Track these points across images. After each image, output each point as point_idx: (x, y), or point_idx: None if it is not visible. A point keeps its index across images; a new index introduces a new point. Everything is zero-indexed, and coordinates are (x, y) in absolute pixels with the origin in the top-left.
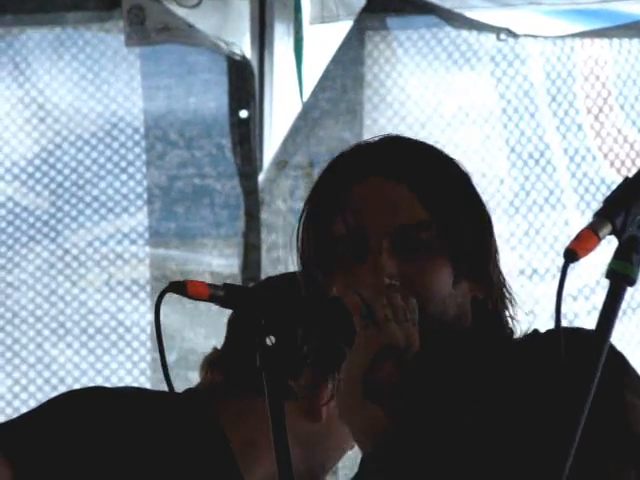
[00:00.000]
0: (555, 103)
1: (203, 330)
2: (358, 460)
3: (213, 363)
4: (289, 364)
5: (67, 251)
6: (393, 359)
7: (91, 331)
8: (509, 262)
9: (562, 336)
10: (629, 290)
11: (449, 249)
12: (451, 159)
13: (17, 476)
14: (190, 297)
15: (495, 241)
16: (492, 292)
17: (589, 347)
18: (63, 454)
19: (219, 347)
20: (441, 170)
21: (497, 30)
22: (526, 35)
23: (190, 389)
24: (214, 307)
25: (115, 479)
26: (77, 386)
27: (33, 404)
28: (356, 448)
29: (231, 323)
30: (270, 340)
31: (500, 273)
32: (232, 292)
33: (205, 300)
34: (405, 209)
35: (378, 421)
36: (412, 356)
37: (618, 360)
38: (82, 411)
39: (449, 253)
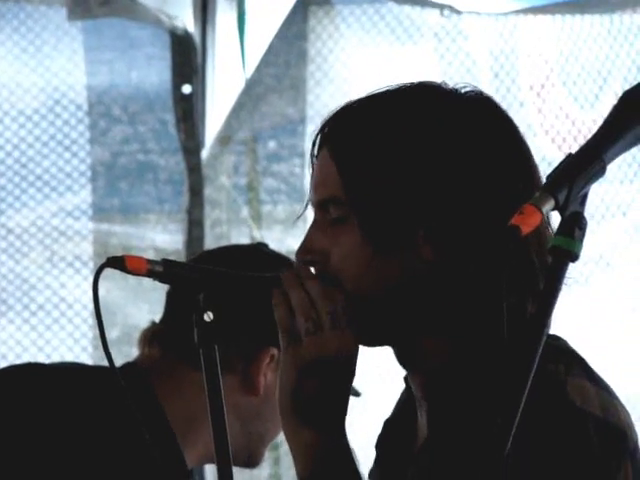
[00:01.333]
0: (497, 80)
1: (146, 306)
2: None
3: (151, 337)
4: (226, 339)
5: (10, 230)
6: (322, 372)
7: (33, 308)
8: None
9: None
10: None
11: (359, 221)
12: (387, 122)
13: None
14: (128, 272)
15: (457, 198)
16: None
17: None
18: None
19: (157, 321)
20: (361, 137)
21: (440, 7)
22: (469, 12)
23: (128, 363)
24: (158, 284)
25: (52, 458)
26: (19, 362)
27: None
28: None
29: (169, 297)
30: (208, 316)
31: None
32: (170, 267)
33: (143, 275)
34: (323, 183)
35: (308, 445)
36: (347, 360)
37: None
38: (15, 390)
39: (360, 226)
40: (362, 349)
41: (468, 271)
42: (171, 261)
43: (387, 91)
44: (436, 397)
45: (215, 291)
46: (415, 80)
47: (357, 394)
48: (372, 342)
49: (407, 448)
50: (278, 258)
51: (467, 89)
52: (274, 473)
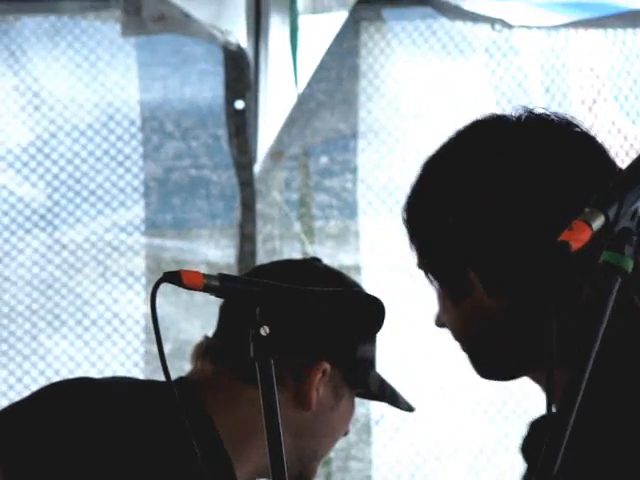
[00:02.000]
0: (549, 95)
1: (199, 321)
2: (352, 452)
3: (204, 352)
4: (280, 353)
5: (64, 246)
6: None
7: (86, 323)
8: None
9: None
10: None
11: (431, 278)
12: (439, 191)
13: (6, 473)
14: (184, 287)
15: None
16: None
17: None
18: (50, 449)
19: (210, 336)
20: (419, 207)
21: (491, 21)
22: (520, 26)
23: (180, 378)
24: (210, 298)
25: (103, 472)
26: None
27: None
28: (348, 437)
29: (223, 311)
30: (264, 330)
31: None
32: (227, 282)
33: (199, 290)
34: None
35: None
36: None
37: None
38: (68, 404)
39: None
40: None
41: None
42: (227, 275)
43: (442, 155)
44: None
45: (272, 305)
46: (471, 121)
47: (411, 409)
48: (502, 378)
49: None
50: (331, 273)
51: (529, 114)
52: None
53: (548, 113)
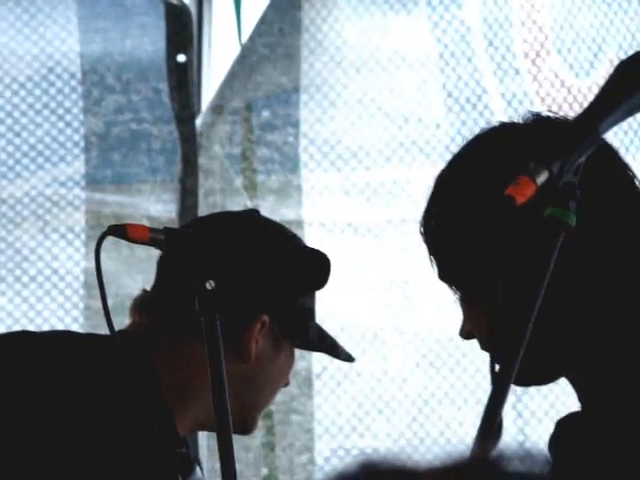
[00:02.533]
0: (492, 48)
1: (140, 276)
2: (293, 405)
3: (141, 305)
4: (225, 308)
5: (3, 200)
6: None
7: (25, 279)
8: None
9: None
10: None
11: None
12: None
13: None
14: (130, 240)
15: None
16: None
17: None
18: None
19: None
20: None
21: None
22: None
23: (120, 331)
24: (152, 252)
25: (43, 426)
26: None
27: None
28: (290, 391)
29: (161, 265)
30: (210, 284)
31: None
32: (172, 235)
33: (145, 244)
34: None
35: None
36: None
37: None
38: (7, 357)
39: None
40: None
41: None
42: (173, 229)
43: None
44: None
45: (217, 260)
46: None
47: (350, 359)
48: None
49: None
50: (271, 225)
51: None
52: (267, 442)
53: (553, 116)
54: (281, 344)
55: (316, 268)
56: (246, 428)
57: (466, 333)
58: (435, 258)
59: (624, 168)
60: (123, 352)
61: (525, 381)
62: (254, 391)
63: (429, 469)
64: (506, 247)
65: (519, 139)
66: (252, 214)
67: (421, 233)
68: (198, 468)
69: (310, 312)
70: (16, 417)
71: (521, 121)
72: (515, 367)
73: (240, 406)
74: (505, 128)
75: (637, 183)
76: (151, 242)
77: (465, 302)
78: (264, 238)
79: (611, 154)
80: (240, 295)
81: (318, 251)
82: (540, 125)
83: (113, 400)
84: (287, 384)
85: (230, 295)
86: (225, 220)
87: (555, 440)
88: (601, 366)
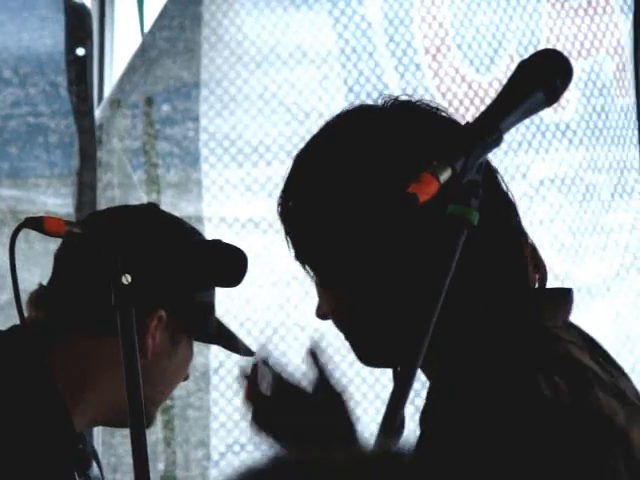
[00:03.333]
0: (393, 43)
1: (38, 270)
2: (190, 400)
3: (36, 300)
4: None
5: None
6: None
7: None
8: None
9: None
10: None
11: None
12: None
13: None
14: (46, 233)
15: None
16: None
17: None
18: None
19: (44, 284)
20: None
21: None
22: None
23: (15, 326)
24: (51, 247)
25: None
26: None
27: None
28: (187, 386)
29: (58, 260)
30: (126, 278)
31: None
32: (89, 229)
33: (61, 236)
34: None
35: None
36: None
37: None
38: None
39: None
40: None
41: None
42: (89, 222)
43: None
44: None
45: (132, 253)
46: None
47: (250, 354)
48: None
49: None
50: (170, 219)
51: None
52: (164, 436)
53: (410, 99)
54: (179, 339)
55: (212, 260)
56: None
57: (322, 314)
58: (291, 238)
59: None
60: (16, 348)
61: (369, 360)
62: (151, 386)
63: (333, 462)
64: (405, 240)
65: (378, 123)
66: (152, 208)
67: (278, 213)
68: (95, 464)
69: (209, 307)
70: None
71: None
72: (417, 365)
73: None
74: (365, 112)
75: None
76: (68, 235)
77: (319, 284)
78: (162, 232)
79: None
80: (138, 290)
81: (229, 246)
82: (430, 119)
83: (5, 398)
84: (186, 378)
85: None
86: (121, 213)
87: (423, 412)
88: (454, 354)
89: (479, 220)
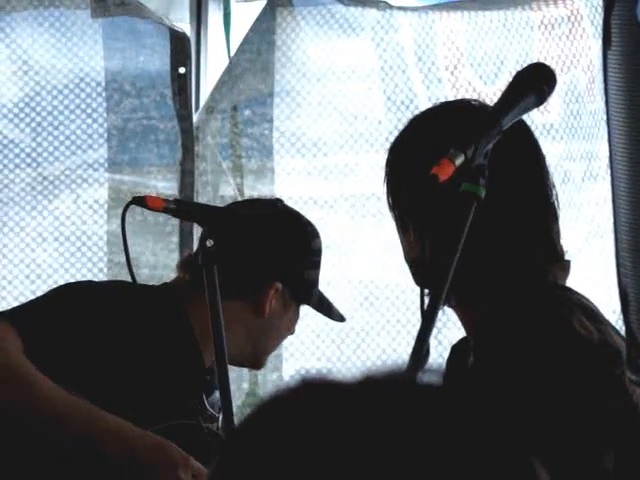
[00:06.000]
0: (421, 62)
1: (151, 237)
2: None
3: (182, 264)
4: (239, 272)
5: (45, 177)
6: None
7: (62, 239)
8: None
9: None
10: None
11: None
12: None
13: (26, 346)
14: (149, 209)
15: None
16: None
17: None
18: (64, 332)
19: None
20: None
21: (377, 3)
22: (399, 8)
23: (165, 284)
24: (160, 219)
25: (104, 357)
26: (50, 281)
27: (17, 294)
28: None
29: (201, 236)
30: (209, 242)
31: None
32: (181, 205)
33: (160, 211)
34: None
35: None
36: None
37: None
38: (78, 300)
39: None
40: None
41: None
42: (182, 201)
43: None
44: (477, 338)
45: (216, 225)
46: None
47: (342, 319)
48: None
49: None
50: (289, 212)
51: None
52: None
53: (469, 102)
54: (289, 305)
55: (317, 244)
56: (258, 365)
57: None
58: (389, 195)
59: (532, 150)
60: (165, 301)
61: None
62: (265, 339)
63: (357, 381)
64: (432, 209)
65: (443, 126)
66: (273, 202)
67: (388, 160)
68: (217, 392)
69: (314, 281)
70: (104, 330)
71: (445, 110)
72: (439, 307)
73: (253, 349)
74: (434, 116)
75: (541, 163)
76: (165, 210)
77: (397, 228)
78: (281, 220)
79: (525, 137)
80: (258, 266)
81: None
82: (459, 116)
83: (157, 336)
84: (292, 332)
85: (249, 264)
86: (251, 204)
87: (450, 359)
88: (486, 301)
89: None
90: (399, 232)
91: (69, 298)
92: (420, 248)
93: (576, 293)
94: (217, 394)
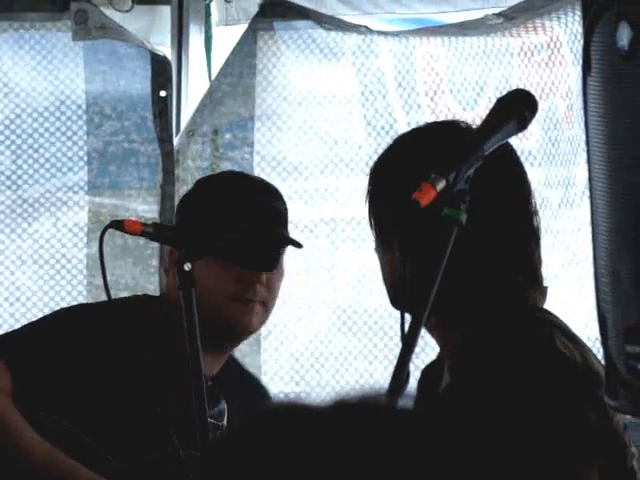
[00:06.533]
0: (401, 88)
1: (131, 259)
2: (245, 360)
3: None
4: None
5: (25, 200)
6: None
7: (41, 262)
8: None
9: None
10: None
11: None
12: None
13: (14, 378)
14: (126, 232)
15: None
16: None
17: None
18: (54, 359)
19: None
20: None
21: (358, 28)
22: (379, 33)
23: (145, 294)
24: (140, 242)
25: (98, 379)
26: (29, 303)
27: None
28: (242, 349)
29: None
30: (187, 266)
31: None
32: (159, 229)
33: (138, 235)
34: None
35: None
36: None
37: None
38: (69, 326)
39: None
40: None
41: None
42: (159, 224)
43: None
44: (459, 359)
45: (192, 248)
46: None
47: (300, 245)
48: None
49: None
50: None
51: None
52: None
53: (456, 123)
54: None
55: None
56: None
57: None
58: (371, 215)
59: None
60: (155, 312)
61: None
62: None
63: (330, 405)
64: (413, 233)
65: (425, 148)
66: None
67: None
68: (223, 402)
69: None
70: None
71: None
72: (419, 331)
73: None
74: (417, 137)
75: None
76: (142, 234)
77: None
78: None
79: (510, 160)
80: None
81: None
82: (441, 139)
83: (148, 348)
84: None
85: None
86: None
87: (420, 382)
88: (462, 322)
89: (496, 203)
90: (379, 253)
91: (58, 324)
92: (401, 270)
93: (555, 315)
94: (223, 404)
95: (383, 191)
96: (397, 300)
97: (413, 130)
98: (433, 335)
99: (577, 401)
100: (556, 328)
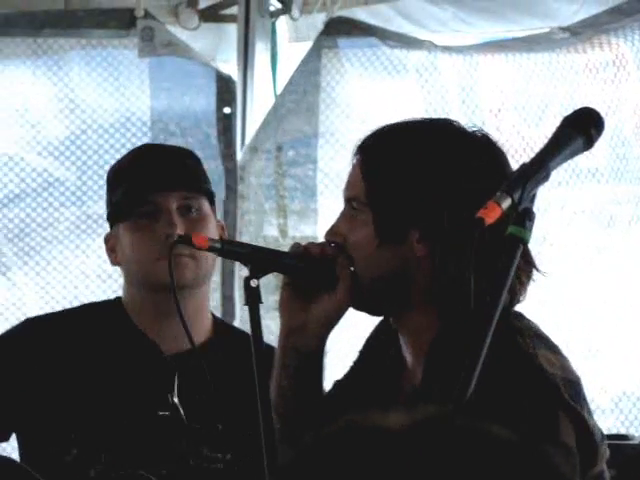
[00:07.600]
0: (464, 105)
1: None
2: None
3: None
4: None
5: (89, 216)
6: None
7: (104, 276)
8: None
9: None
10: None
11: (373, 219)
12: (402, 148)
13: None
14: (194, 247)
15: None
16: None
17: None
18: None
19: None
20: (383, 156)
21: (422, 42)
22: (443, 49)
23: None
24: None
25: (74, 385)
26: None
27: None
28: None
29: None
30: (254, 282)
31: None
32: (226, 245)
33: (206, 250)
34: (352, 184)
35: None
36: None
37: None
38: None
39: (373, 222)
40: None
41: (449, 266)
42: (227, 240)
43: (410, 122)
44: (429, 357)
45: (259, 263)
46: (434, 117)
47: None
48: (361, 308)
49: (392, 376)
50: None
51: (471, 127)
52: None
53: (478, 129)
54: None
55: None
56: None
57: (335, 235)
58: (367, 183)
59: None
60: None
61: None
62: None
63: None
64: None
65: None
66: None
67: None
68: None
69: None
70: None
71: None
72: (484, 348)
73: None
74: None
75: None
76: (210, 249)
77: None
78: None
79: None
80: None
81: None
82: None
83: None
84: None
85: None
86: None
87: (364, 352)
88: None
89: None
90: (370, 239)
91: (35, 334)
92: (440, 267)
93: (530, 320)
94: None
95: (401, 181)
96: (372, 296)
97: (416, 122)
98: (401, 329)
99: (552, 422)
100: (537, 337)
